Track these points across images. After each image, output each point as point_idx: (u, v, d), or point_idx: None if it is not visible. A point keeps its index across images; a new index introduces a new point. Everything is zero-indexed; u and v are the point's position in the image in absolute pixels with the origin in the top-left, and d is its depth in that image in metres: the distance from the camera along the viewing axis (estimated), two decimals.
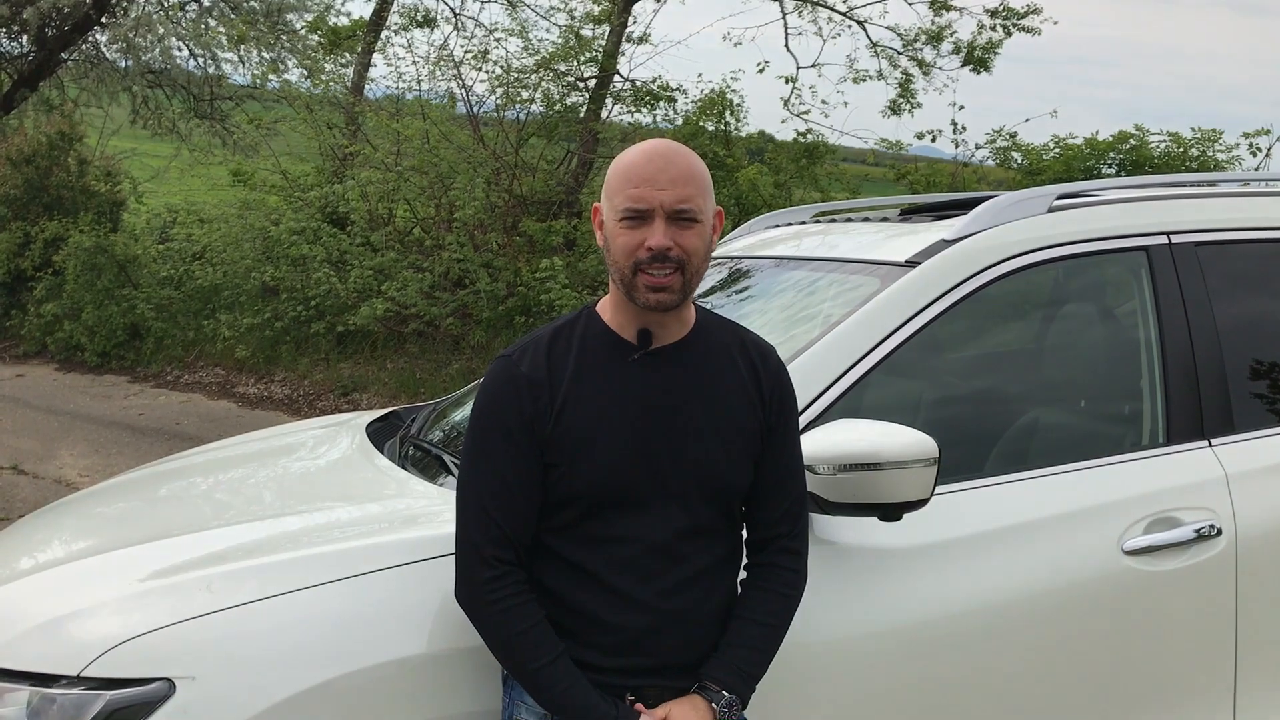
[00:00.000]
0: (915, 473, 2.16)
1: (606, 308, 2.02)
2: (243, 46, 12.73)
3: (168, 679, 1.90)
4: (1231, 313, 2.79)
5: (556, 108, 10.55)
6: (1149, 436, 2.70)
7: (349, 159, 10.72)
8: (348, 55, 13.52)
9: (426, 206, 10.10)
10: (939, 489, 2.37)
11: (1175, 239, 2.79)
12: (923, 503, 2.19)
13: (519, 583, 1.91)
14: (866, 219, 3.38)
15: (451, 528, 1.98)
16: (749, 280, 3.25)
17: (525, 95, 10.61)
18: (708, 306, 3.35)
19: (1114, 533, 2.50)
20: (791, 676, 2.18)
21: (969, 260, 2.60)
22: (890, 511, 2.20)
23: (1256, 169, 8.57)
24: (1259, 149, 8.73)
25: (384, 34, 13.22)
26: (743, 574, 2.08)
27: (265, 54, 12.97)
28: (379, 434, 3.12)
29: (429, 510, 2.38)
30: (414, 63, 14.05)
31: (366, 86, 13.01)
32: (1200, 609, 2.58)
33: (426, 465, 2.78)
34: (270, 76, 12.91)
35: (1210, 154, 8.77)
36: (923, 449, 2.16)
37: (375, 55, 13.04)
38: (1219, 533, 2.57)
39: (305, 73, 12.80)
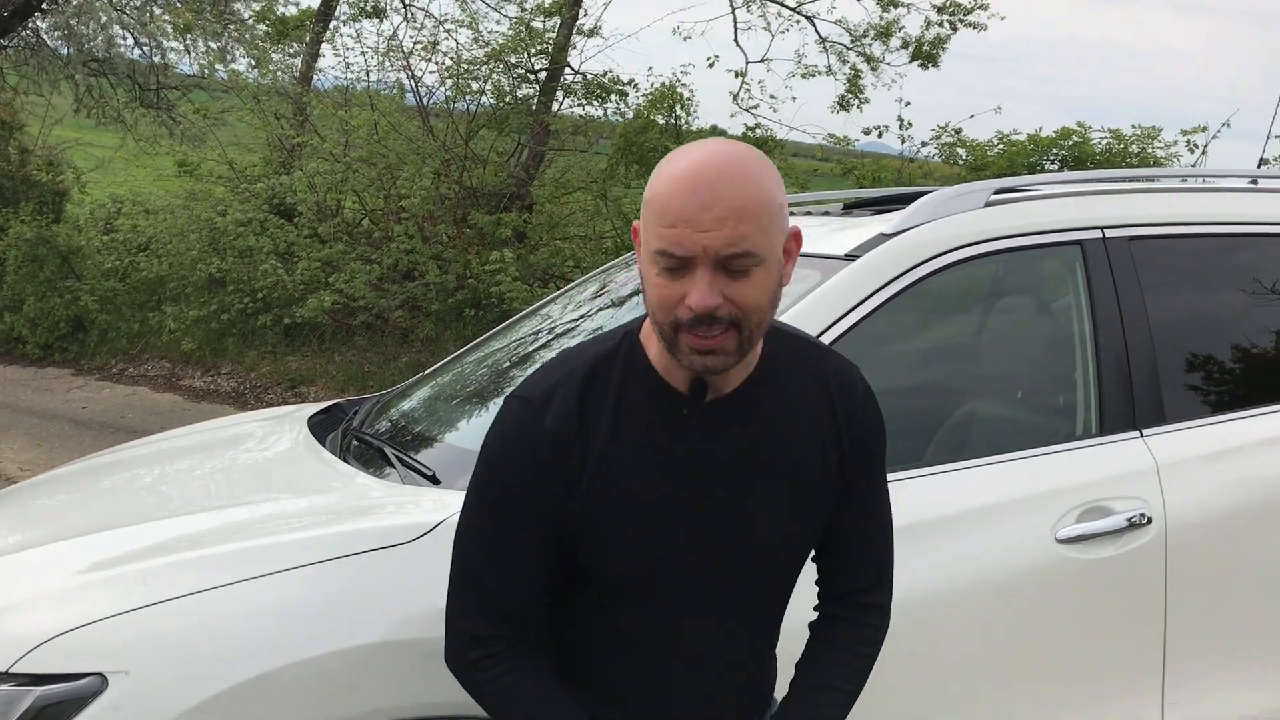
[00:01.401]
0: None
1: (652, 338, 1.61)
2: (189, 35, 12.56)
3: (100, 674, 1.89)
4: (1164, 305, 2.85)
5: (507, 100, 10.51)
6: (1082, 427, 2.75)
7: (296, 150, 10.62)
8: (295, 45, 13.36)
9: (375, 198, 10.03)
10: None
11: (1109, 233, 2.84)
12: None
13: (519, 653, 1.63)
14: (809, 213, 3.42)
15: (395, 520, 1.97)
16: None
17: (475, 87, 10.57)
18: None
19: (1048, 522, 2.54)
20: None
21: (907, 253, 2.63)
22: None
23: (1193, 165, 8.73)
24: (1196, 145, 8.91)
25: (332, 24, 13.09)
26: (813, 615, 1.84)
27: (212, 43, 12.80)
28: (321, 427, 3.10)
29: (370, 503, 2.37)
30: (363, 53, 13.91)
31: (315, 77, 12.88)
32: (1131, 596, 2.64)
33: (369, 458, 2.77)
34: (217, 66, 12.74)
35: (1150, 150, 8.93)
36: None
37: (324, 45, 12.90)
38: (1149, 521, 2.62)
39: (253, 62, 12.65)
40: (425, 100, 10.61)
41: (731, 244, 1.44)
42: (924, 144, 9.87)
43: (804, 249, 2.89)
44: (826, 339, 2.50)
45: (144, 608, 1.96)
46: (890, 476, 2.42)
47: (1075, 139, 9.10)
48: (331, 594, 2.02)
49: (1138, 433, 2.73)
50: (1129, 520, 2.60)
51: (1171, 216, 2.98)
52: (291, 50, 13.39)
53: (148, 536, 2.30)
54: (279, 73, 12.37)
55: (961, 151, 9.65)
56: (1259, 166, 4.31)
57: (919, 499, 2.48)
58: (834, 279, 2.60)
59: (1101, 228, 2.84)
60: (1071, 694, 2.60)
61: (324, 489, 2.57)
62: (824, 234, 2.98)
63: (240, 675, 1.90)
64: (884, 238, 2.68)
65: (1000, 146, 9.41)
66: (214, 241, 9.88)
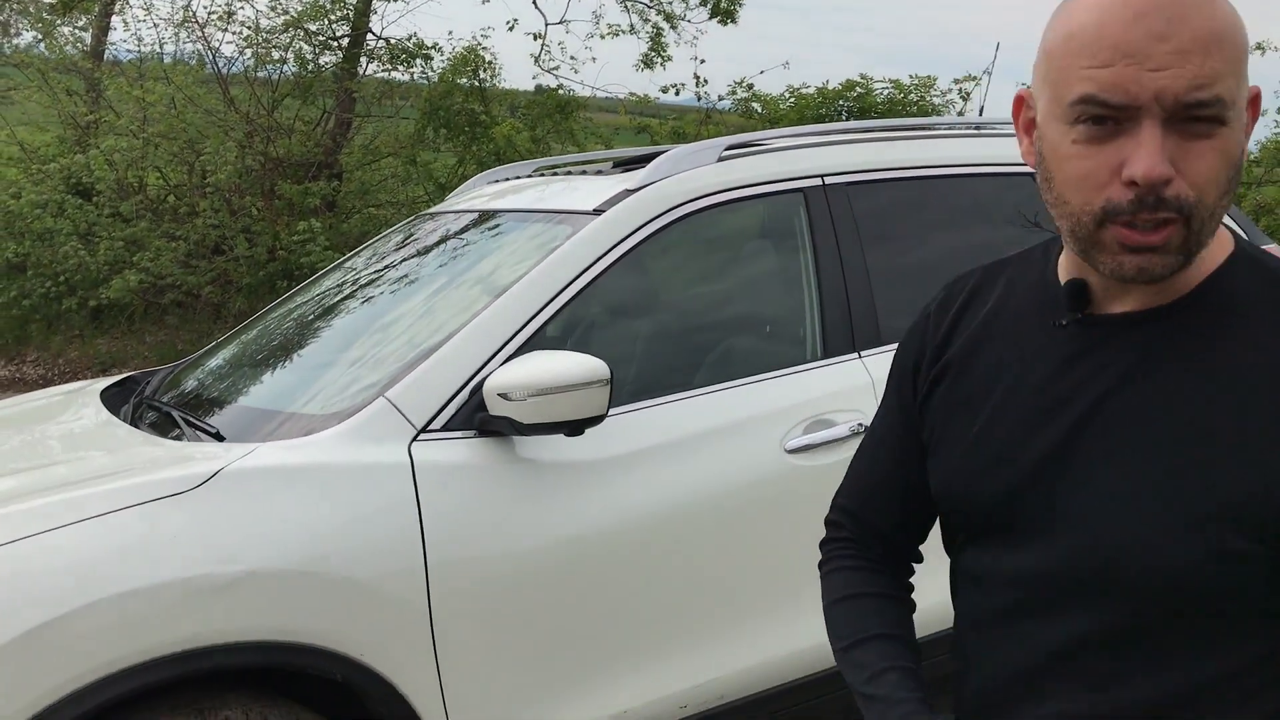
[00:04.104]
0: (592, 392, 2.48)
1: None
2: None
3: None
4: (877, 241, 3.23)
5: (310, 68, 10.45)
6: (810, 352, 3.12)
7: (92, 127, 10.34)
8: (84, 18, 12.89)
9: (178, 173, 9.88)
10: (633, 407, 2.74)
11: (828, 180, 3.21)
12: (600, 419, 2.52)
13: (844, 554, 1.44)
14: (584, 172, 3.69)
15: (175, 472, 2.10)
16: (471, 233, 3.51)
17: (276, 55, 10.48)
18: (446, 263, 3.64)
19: (778, 435, 2.90)
20: (488, 589, 2.47)
21: (647, 207, 2.94)
22: (575, 428, 2.52)
23: (961, 112, 9.37)
24: (967, 94, 9.56)
25: None
26: None
27: None
28: (115, 398, 3.23)
29: (153, 460, 2.54)
30: (155, 25, 13.52)
31: (107, 50, 12.46)
32: None
33: (159, 424, 2.93)
34: None
35: (927, 99, 9.53)
36: (596, 372, 2.48)
37: (113, 18, 12.49)
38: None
39: (39, 36, 12.18)
40: (225, 70, 10.47)
41: (1198, 85, 1.02)
42: (720, 98, 10.29)
43: (561, 206, 3.19)
44: (575, 288, 2.78)
45: None
46: (638, 405, 2.78)
47: (859, 90, 9.64)
48: (118, 541, 2.20)
49: (857, 354, 3.11)
50: (850, 430, 2.98)
51: (885, 162, 3.36)
52: (80, 23, 12.91)
53: None
54: (68, 46, 11.95)
55: (756, 106, 10.09)
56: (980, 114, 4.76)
57: (664, 424, 2.80)
58: (582, 232, 2.88)
59: (821, 175, 3.20)
60: (803, 588, 2.96)
61: (113, 451, 2.73)
62: (579, 192, 3.26)
63: (29, 622, 2.06)
64: (628, 193, 2.98)
65: (791, 100, 9.88)
66: (9, 226, 9.58)
